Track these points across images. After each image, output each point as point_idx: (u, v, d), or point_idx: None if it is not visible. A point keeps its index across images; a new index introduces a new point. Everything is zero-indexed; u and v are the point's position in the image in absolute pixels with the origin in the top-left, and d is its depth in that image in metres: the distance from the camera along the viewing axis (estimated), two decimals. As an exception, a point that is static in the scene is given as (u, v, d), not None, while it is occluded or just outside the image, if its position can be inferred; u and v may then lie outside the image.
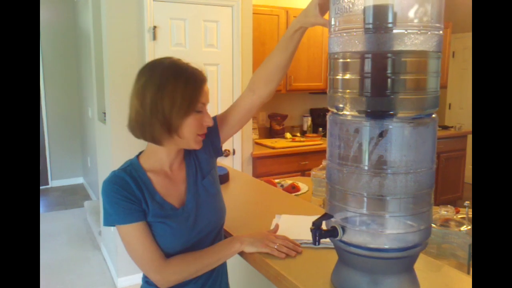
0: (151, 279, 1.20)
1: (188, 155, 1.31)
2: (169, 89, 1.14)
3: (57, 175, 6.25)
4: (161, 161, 1.25)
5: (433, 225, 1.43)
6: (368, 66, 0.93)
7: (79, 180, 6.40)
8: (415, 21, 0.91)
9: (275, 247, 1.25)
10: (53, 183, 6.24)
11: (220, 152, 1.36)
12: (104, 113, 3.51)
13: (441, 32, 0.94)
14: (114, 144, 3.17)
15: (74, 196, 5.75)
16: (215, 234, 1.30)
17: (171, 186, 1.25)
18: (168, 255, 1.20)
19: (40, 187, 6.12)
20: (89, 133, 5.35)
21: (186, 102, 1.14)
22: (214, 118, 1.34)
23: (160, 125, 1.15)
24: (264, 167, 3.91)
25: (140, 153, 1.28)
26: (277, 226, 1.37)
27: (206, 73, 1.23)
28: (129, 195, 1.16)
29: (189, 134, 1.18)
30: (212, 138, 1.33)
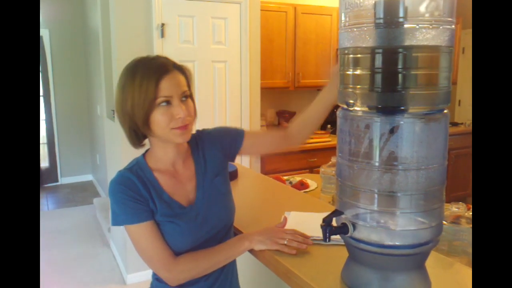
0: (161, 277, 1.20)
1: (197, 152, 1.30)
2: (129, 89, 1.13)
3: (66, 172, 6.30)
4: (161, 159, 1.24)
5: (444, 222, 1.42)
6: (379, 61, 0.92)
7: (88, 177, 6.44)
8: (427, 15, 0.90)
9: (285, 243, 1.25)
10: (63, 180, 6.29)
11: (233, 159, 1.36)
12: (113, 110, 3.52)
13: (453, 26, 0.93)
14: (123, 141, 3.16)
15: (83, 193, 5.79)
16: (224, 233, 1.30)
17: (177, 185, 1.24)
18: (177, 253, 1.20)
19: (50, 184, 6.17)
20: (98, 131, 5.38)
21: (142, 98, 1.11)
22: (242, 132, 1.34)
23: (129, 127, 1.17)
24: (272, 164, 3.90)
25: (147, 150, 1.27)
26: (285, 220, 1.36)
27: (173, 63, 1.18)
28: (135, 195, 1.16)
29: (160, 130, 1.15)
30: (235, 144, 1.33)
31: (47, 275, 3.50)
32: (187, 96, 1.18)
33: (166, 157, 1.24)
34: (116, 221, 1.18)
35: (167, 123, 1.13)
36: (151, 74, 1.12)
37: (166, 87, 1.12)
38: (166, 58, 1.18)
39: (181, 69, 1.19)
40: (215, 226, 1.26)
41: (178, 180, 1.25)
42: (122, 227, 1.19)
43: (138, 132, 1.18)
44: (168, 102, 1.13)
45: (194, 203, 1.25)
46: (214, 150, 1.31)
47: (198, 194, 1.26)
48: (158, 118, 1.13)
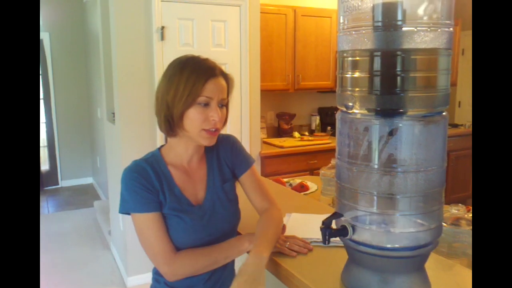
0: (159, 270, 1.20)
1: (211, 152, 1.31)
2: (175, 81, 1.17)
3: (67, 175, 6.30)
4: (179, 155, 1.26)
5: (443, 223, 1.42)
6: (377, 64, 0.92)
7: (89, 180, 6.44)
8: (425, 18, 0.90)
9: (286, 245, 1.25)
10: (63, 183, 6.29)
11: (235, 178, 1.36)
12: (113, 113, 3.52)
13: (451, 29, 0.93)
14: (123, 144, 3.18)
15: (83, 196, 5.79)
16: (227, 239, 1.29)
17: (188, 182, 1.26)
18: (177, 249, 1.21)
19: (50, 187, 6.17)
20: (98, 134, 5.38)
21: (186, 93, 1.15)
22: (244, 169, 1.35)
23: (165, 116, 1.19)
24: (272, 166, 3.90)
25: (162, 146, 1.30)
26: (284, 227, 1.36)
27: (220, 69, 1.22)
28: (147, 184, 1.18)
29: (192, 127, 1.18)
30: (239, 169, 1.34)
31: (47, 278, 3.50)
32: (224, 104, 1.23)
33: (186, 154, 1.27)
34: (124, 208, 1.20)
35: (200, 123, 1.17)
36: (200, 72, 1.17)
37: (211, 88, 1.17)
38: (214, 63, 1.23)
39: (226, 77, 1.24)
40: (219, 230, 1.26)
41: (190, 178, 1.27)
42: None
43: (171, 123, 1.20)
44: (206, 104, 1.18)
45: (203, 203, 1.26)
46: (226, 157, 1.33)
47: (207, 195, 1.27)
48: (194, 115, 1.17)
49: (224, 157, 1.33)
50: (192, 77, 1.16)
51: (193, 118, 1.17)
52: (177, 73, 1.18)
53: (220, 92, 1.19)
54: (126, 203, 1.19)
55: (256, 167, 3.76)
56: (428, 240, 0.97)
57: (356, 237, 0.98)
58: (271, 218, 1.28)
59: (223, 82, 1.21)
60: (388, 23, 0.90)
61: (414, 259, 0.98)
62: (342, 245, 1.08)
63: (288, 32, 4.13)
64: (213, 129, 1.19)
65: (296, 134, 4.49)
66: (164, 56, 3.14)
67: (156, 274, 1.29)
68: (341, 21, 0.99)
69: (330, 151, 4.08)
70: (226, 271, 1.31)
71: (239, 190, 1.36)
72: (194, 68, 1.18)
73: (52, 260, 3.85)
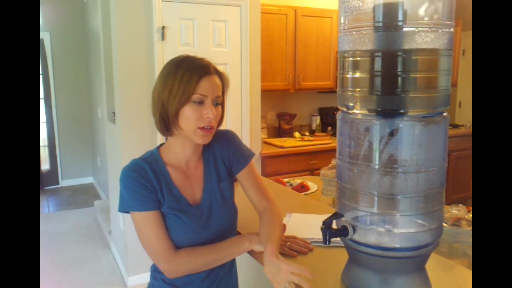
0: (159, 267, 1.21)
1: (207, 151, 1.31)
2: (170, 80, 1.18)
3: (67, 174, 6.30)
4: (177, 155, 1.26)
5: (444, 224, 1.42)
6: (378, 65, 0.92)
7: (89, 179, 6.44)
8: (426, 18, 0.91)
9: (286, 246, 1.25)
10: (64, 182, 6.29)
11: (233, 176, 1.36)
12: (114, 113, 3.53)
13: (452, 29, 0.94)
14: (123, 144, 3.18)
15: (84, 196, 5.79)
16: (226, 238, 1.30)
17: (186, 182, 1.26)
18: (176, 247, 1.21)
19: (51, 187, 6.17)
20: (99, 133, 5.39)
21: (180, 91, 1.16)
22: (249, 158, 1.35)
23: (160, 115, 1.20)
24: (273, 166, 3.90)
25: (161, 145, 1.30)
26: (284, 226, 1.36)
27: (215, 68, 1.23)
28: (146, 183, 1.18)
29: (187, 125, 1.18)
30: (237, 166, 1.33)
31: (47, 277, 3.50)
32: (219, 103, 1.23)
33: (182, 154, 1.27)
34: (123, 207, 1.20)
35: (195, 120, 1.18)
36: (194, 70, 1.18)
37: (205, 86, 1.18)
38: (209, 61, 1.24)
39: (221, 76, 1.25)
40: (217, 229, 1.26)
41: (187, 178, 1.27)
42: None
43: (167, 122, 1.21)
44: (201, 102, 1.18)
45: (200, 203, 1.26)
46: (223, 154, 1.33)
47: (204, 195, 1.27)
48: (189, 113, 1.17)
49: (220, 154, 1.33)
50: (186, 75, 1.17)
51: (188, 116, 1.17)
52: (172, 72, 1.19)
53: (214, 89, 1.19)
54: (125, 202, 1.19)
55: (257, 167, 3.78)
56: (428, 241, 0.97)
57: (356, 237, 0.98)
58: (274, 217, 1.28)
59: (217, 80, 1.22)
60: (389, 23, 0.90)
61: (414, 260, 0.98)
62: (343, 245, 1.08)
63: (289, 32, 4.13)
64: (208, 127, 1.19)
65: (297, 134, 4.49)
66: (165, 56, 3.13)
67: (154, 271, 1.29)
68: (342, 21, 0.99)
69: (331, 151, 4.08)
70: (224, 270, 1.31)
71: (237, 189, 1.36)
72: (188, 66, 1.18)
73: (52, 259, 3.85)
